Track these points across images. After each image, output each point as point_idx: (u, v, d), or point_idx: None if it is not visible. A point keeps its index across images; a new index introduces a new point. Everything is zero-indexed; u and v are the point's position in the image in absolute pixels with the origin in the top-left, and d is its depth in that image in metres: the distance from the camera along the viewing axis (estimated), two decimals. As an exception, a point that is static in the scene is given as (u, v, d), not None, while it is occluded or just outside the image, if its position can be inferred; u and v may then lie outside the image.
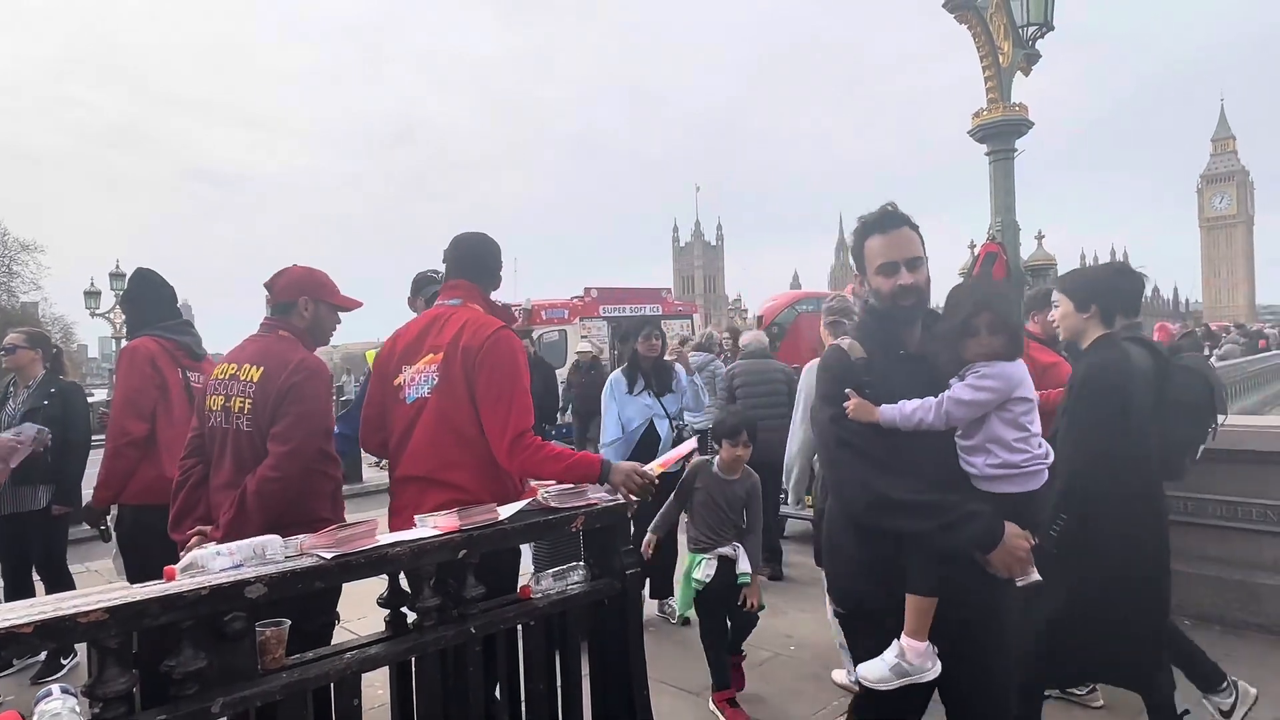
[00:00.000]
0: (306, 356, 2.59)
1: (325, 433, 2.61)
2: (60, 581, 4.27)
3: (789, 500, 3.90)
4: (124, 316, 4.32)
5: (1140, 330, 3.24)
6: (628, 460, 4.08)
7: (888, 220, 2.04)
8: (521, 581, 2.37)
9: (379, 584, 2.10)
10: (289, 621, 1.83)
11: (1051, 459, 1.93)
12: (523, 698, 2.29)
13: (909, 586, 1.89)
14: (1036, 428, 1.92)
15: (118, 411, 3.33)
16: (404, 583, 2.11)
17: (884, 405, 1.91)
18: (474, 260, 2.74)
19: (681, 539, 4.25)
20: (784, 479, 3.89)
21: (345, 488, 3.00)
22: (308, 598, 1.85)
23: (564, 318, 15.41)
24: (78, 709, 1.46)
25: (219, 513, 2.54)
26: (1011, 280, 6.03)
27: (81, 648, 2.36)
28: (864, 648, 2.02)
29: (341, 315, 2.87)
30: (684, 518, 3.77)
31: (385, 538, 2.00)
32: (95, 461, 3.65)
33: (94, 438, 4.65)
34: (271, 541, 1.84)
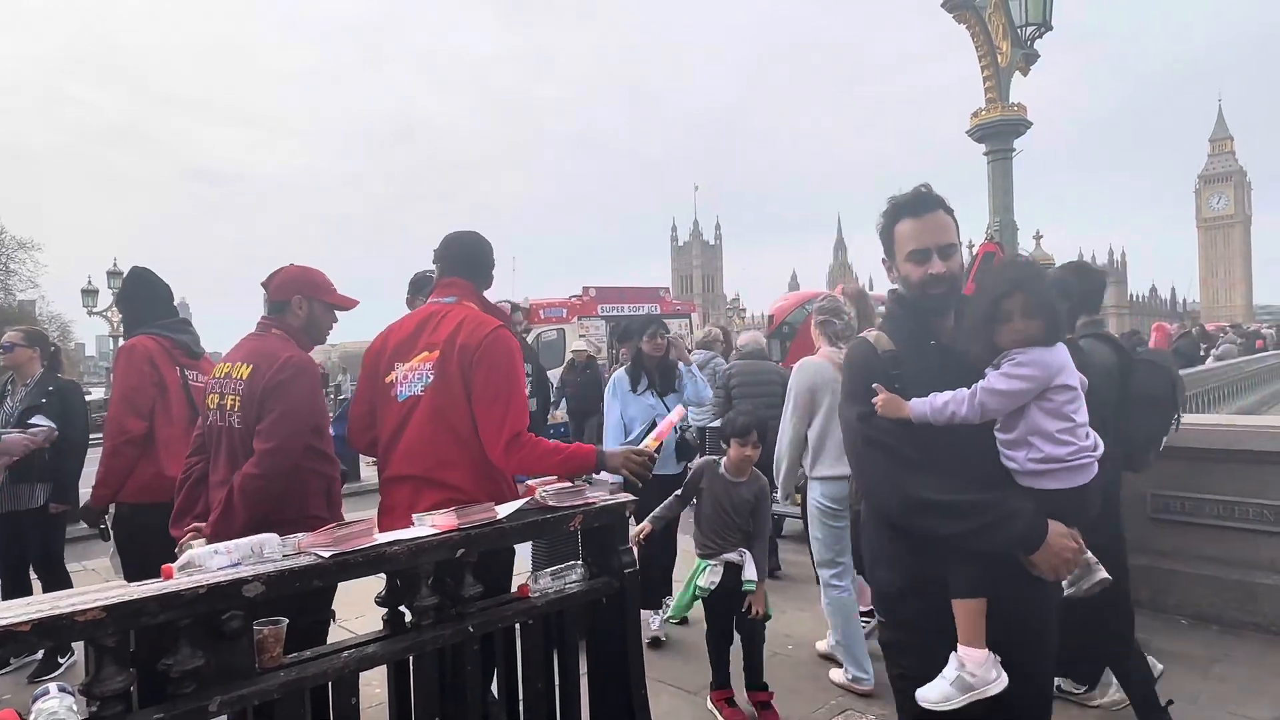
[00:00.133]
0: (294, 354, 2.59)
1: (314, 430, 2.60)
2: (57, 580, 4.27)
3: (779, 496, 3.85)
4: (120, 316, 4.33)
5: (1103, 326, 3.34)
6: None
7: (920, 203, 1.88)
8: (520, 580, 2.37)
9: (377, 583, 2.10)
10: (287, 620, 1.83)
11: (1101, 450, 1.79)
12: (520, 697, 2.29)
13: (952, 591, 1.76)
14: (1082, 417, 1.78)
15: (116, 410, 3.33)
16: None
17: (914, 399, 1.79)
18: (468, 258, 2.73)
19: (681, 541, 4.27)
20: (774, 473, 3.85)
21: (344, 486, 3.00)
22: (303, 595, 1.85)
23: (562, 317, 15.41)
24: (75, 707, 1.46)
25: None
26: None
27: (79, 646, 2.35)
28: (910, 665, 1.86)
29: (341, 315, 2.87)
30: (685, 519, 3.74)
31: (383, 536, 2.00)
32: (93, 460, 3.65)
33: (91, 436, 4.65)
34: (269, 540, 1.84)
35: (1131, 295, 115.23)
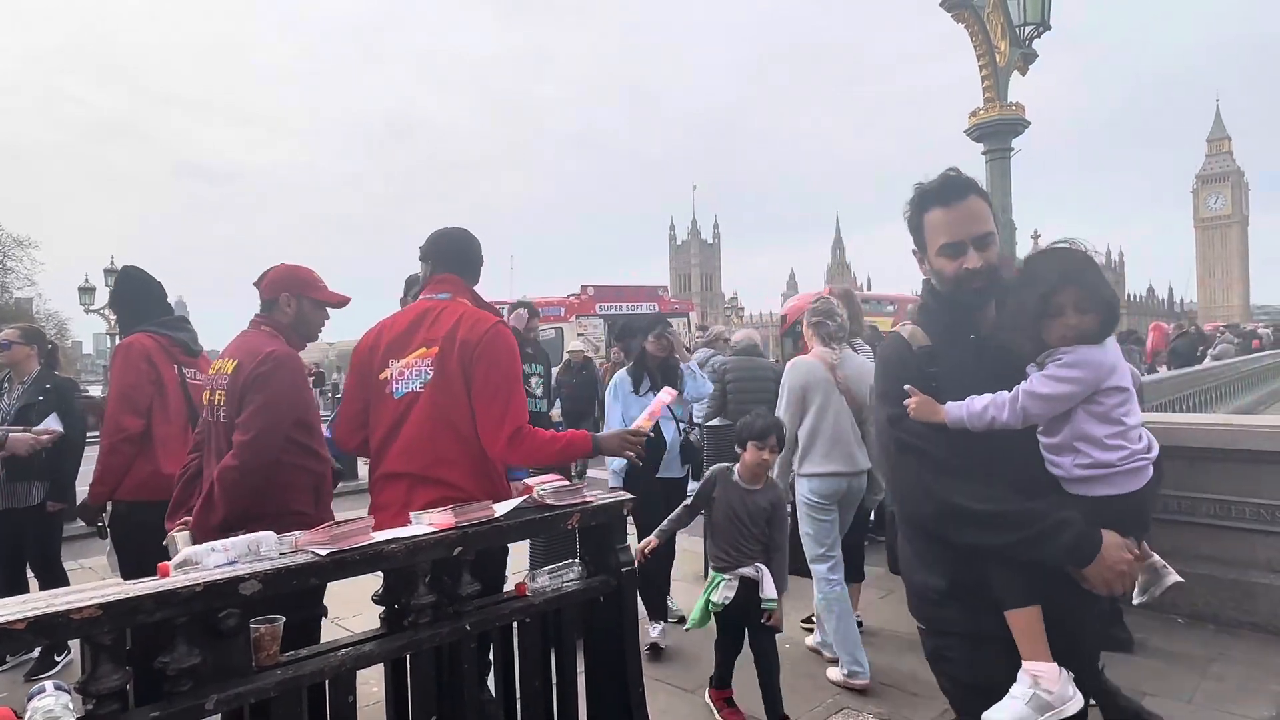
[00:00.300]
0: (277, 348, 2.61)
1: (297, 424, 2.61)
2: (54, 578, 4.26)
3: None
4: (115, 317, 4.33)
5: None
6: (630, 466, 4.07)
7: (951, 189, 1.72)
8: (517, 579, 2.37)
9: (374, 581, 2.10)
10: (284, 618, 1.82)
11: (1156, 452, 1.65)
12: (518, 695, 2.28)
13: (1002, 602, 1.61)
14: (1135, 419, 1.62)
15: (113, 407, 3.33)
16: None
17: (950, 403, 1.65)
18: (459, 255, 2.72)
19: (681, 540, 4.25)
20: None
21: (342, 484, 3.00)
22: (297, 592, 1.85)
23: (560, 316, 15.41)
24: (71, 706, 1.46)
25: None
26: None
27: (75, 644, 2.35)
28: (959, 673, 1.72)
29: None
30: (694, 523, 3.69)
31: (380, 534, 2.00)
32: (90, 458, 3.64)
33: (89, 434, 4.65)
34: (266, 538, 1.84)
35: (1129, 295, 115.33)
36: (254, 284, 2.81)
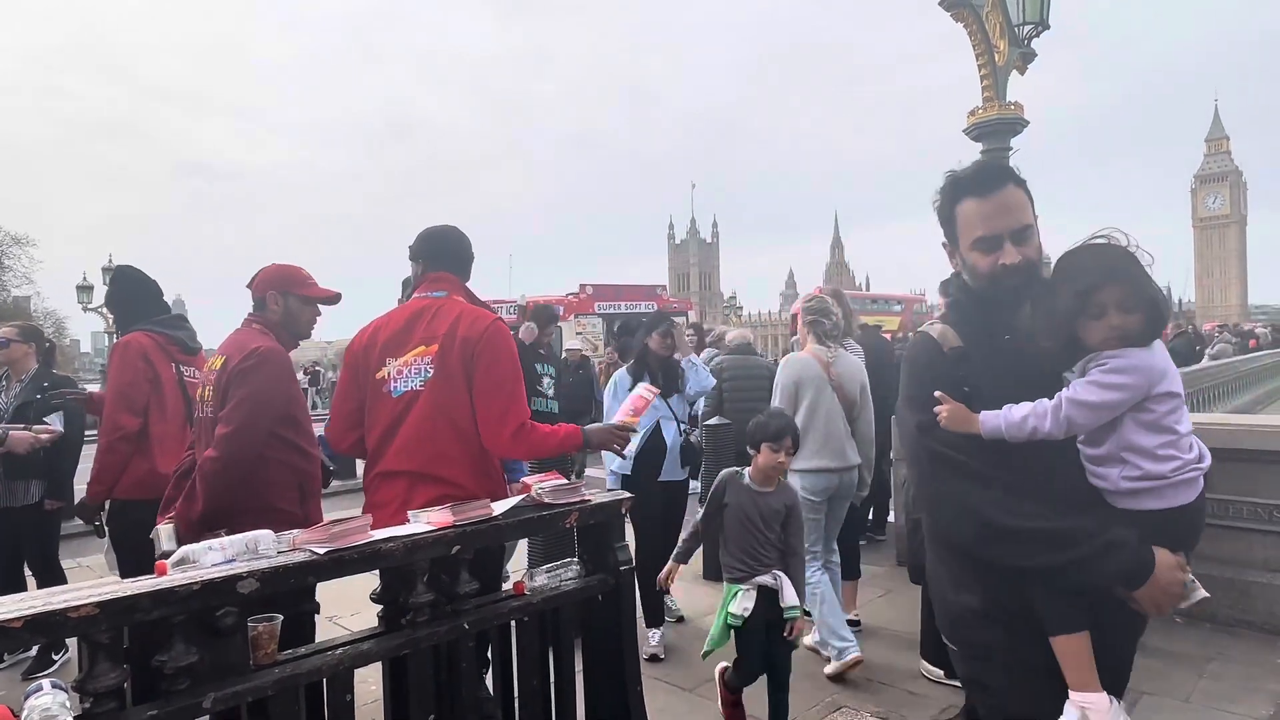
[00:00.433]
0: (262, 344, 2.61)
1: (282, 419, 2.60)
2: (52, 576, 4.26)
3: None
4: (112, 317, 4.33)
5: None
6: (631, 468, 4.06)
7: (986, 178, 1.59)
8: (516, 578, 2.37)
9: (372, 579, 2.09)
10: (281, 616, 1.82)
11: (1208, 462, 1.52)
12: (516, 693, 2.28)
13: (1047, 626, 1.48)
14: (1185, 426, 1.50)
15: (110, 406, 3.32)
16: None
17: (985, 413, 1.52)
18: (453, 253, 2.72)
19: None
20: None
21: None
22: (293, 590, 1.85)
23: (559, 315, 15.40)
24: (68, 704, 1.45)
25: None
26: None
27: (72, 643, 2.35)
28: (997, 702, 1.61)
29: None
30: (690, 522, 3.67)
31: (378, 533, 1.99)
32: (88, 456, 3.64)
33: (87, 433, 4.64)
34: (263, 536, 1.83)
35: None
36: (246, 285, 2.84)
